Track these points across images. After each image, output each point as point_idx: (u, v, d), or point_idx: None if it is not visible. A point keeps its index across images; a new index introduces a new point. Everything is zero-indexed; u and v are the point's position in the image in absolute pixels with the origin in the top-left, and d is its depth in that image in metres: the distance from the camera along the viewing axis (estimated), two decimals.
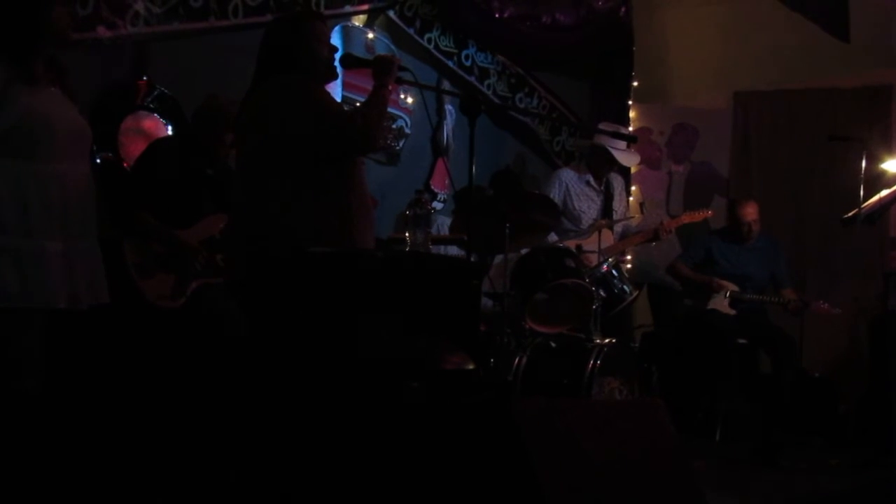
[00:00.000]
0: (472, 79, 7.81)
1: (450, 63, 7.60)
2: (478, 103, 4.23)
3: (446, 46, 7.55)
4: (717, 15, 9.00)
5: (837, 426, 7.25)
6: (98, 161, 5.22)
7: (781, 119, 8.84)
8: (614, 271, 6.30)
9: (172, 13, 5.47)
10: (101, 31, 5.11)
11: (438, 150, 7.52)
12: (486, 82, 7.96)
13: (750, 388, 7.29)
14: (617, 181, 7.37)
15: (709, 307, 7.24)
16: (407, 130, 7.27)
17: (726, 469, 6.16)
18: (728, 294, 7.21)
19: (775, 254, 7.47)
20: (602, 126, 7.47)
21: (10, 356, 3.56)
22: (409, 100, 7.21)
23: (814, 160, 8.51)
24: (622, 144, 7.06)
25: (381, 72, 4.12)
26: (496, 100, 8.06)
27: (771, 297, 7.27)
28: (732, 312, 7.19)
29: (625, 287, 6.33)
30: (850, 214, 6.35)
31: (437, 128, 7.52)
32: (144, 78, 5.50)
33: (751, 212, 7.35)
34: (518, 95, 8.33)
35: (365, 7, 6.75)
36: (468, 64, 7.78)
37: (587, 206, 7.14)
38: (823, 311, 7.14)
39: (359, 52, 6.16)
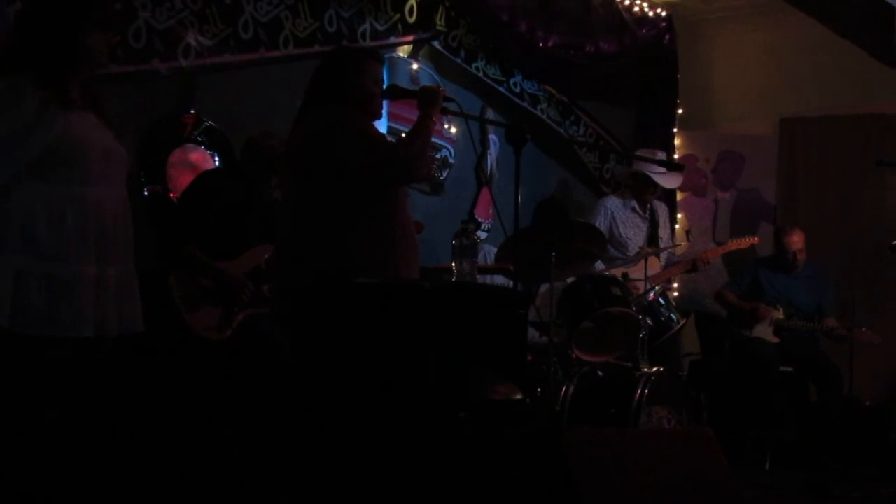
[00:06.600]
0: (525, 104, 7.85)
1: (501, 89, 7.64)
2: (523, 133, 4.21)
3: (494, 75, 7.58)
4: (762, 41, 8.96)
5: (889, 455, 7.15)
6: (146, 194, 5.27)
7: (828, 145, 8.75)
8: (661, 299, 6.29)
9: (223, 45, 5.52)
10: (157, 64, 5.17)
11: (482, 179, 7.52)
12: (538, 107, 8.01)
13: (798, 416, 7.24)
14: (661, 209, 7.39)
15: (753, 335, 7.21)
16: (451, 160, 7.28)
17: (777, 499, 6.08)
18: (772, 321, 7.17)
19: (822, 282, 7.44)
20: (639, 153, 7.49)
21: (36, 384, 3.49)
22: (453, 129, 7.23)
23: (861, 186, 8.43)
24: (660, 167, 7.05)
25: (426, 102, 4.14)
26: (552, 124, 8.10)
27: (816, 325, 7.22)
28: (776, 340, 7.16)
29: (672, 315, 6.31)
30: None
31: (481, 157, 7.52)
32: (192, 111, 5.54)
33: (797, 240, 7.33)
34: (566, 122, 8.34)
35: (410, 38, 6.77)
36: (518, 90, 7.81)
37: (633, 232, 7.14)
38: (866, 339, 7.09)
39: (403, 82, 6.18)
